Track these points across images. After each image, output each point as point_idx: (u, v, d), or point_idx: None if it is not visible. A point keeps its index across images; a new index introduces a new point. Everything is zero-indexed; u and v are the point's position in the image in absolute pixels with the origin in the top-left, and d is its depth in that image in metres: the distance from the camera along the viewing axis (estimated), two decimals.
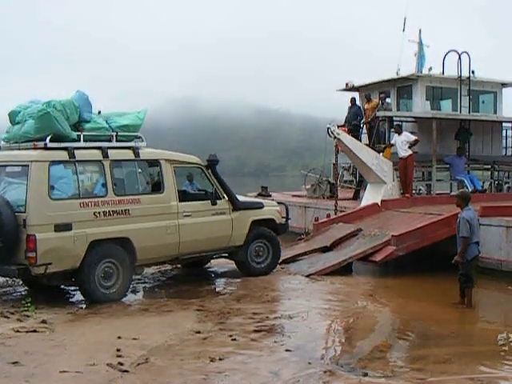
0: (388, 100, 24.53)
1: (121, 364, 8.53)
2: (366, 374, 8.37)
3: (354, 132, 23.46)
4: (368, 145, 22.11)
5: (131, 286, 13.89)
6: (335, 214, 19.99)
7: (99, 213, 12.40)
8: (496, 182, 25.37)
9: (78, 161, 12.45)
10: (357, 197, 23.05)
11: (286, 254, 17.14)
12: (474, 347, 10.18)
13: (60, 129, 12.35)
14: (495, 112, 26.05)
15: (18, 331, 10.14)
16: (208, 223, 14.24)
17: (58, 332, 10.20)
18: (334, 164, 25.09)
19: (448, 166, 23.24)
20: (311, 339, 10.04)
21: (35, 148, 12.35)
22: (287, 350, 9.39)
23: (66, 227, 11.92)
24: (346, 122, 24.25)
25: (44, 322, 10.73)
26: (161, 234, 13.32)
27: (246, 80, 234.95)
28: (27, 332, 10.11)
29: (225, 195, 14.71)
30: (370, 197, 20.48)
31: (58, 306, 12.14)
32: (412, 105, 24.76)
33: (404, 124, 22.80)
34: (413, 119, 23.86)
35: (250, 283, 14.36)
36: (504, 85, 26.33)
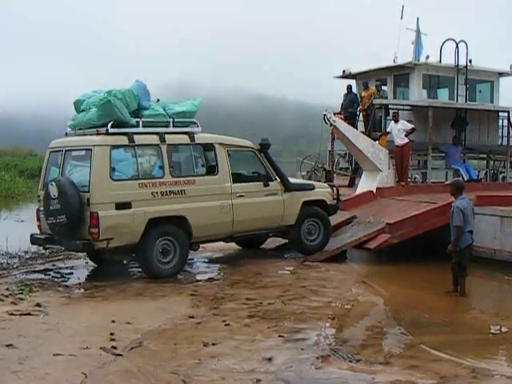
0: (384, 88, 24.47)
1: (114, 348, 8.56)
2: (358, 361, 8.41)
3: (351, 119, 23.46)
4: (364, 132, 22.09)
5: (127, 271, 13.99)
6: None
7: (157, 193, 13.30)
8: (491, 172, 25.38)
9: (137, 145, 13.37)
10: (352, 184, 23.04)
11: (280, 240, 17.20)
12: (467, 335, 10.20)
13: (120, 116, 13.23)
14: (492, 101, 25.99)
15: (12, 314, 10.16)
16: (260, 203, 15.02)
17: (52, 315, 10.22)
18: (329, 151, 25.15)
19: (444, 154, 23.29)
20: (304, 325, 10.08)
21: (98, 133, 13.26)
22: (280, 336, 9.42)
23: (126, 205, 12.86)
24: (342, 109, 24.23)
25: (38, 305, 10.76)
26: (215, 212, 14.17)
27: (241, 68, 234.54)
28: (21, 315, 10.13)
29: (277, 177, 15.40)
30: (366, 184, 20.51)
31: (52, 290, 12.19)
32: (409, 93, 24.70)
33: (400, 112, 22.81)
34: (409, 107, 23.85)
35: (244, 269, 14.39)
36: (501, 74, 26.27)
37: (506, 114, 24.64)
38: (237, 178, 14.89)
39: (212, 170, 14.51)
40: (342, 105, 24.39)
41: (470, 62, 24.56)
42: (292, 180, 16.08)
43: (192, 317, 10.37)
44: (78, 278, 13.43)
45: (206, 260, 15.78)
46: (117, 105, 13.17)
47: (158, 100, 14.68)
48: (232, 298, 11.69)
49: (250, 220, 14.80)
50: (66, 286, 12.69)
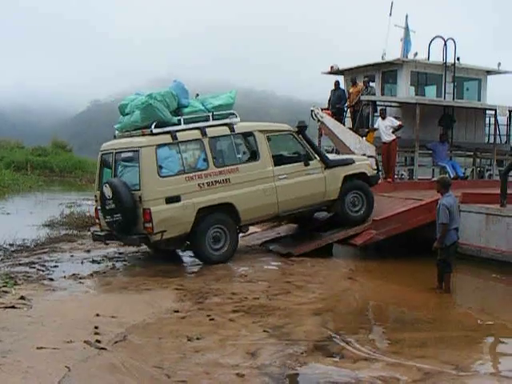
0: (372, 84, 24.49)
1: (98, 341, 8.54)
2: (342, 357, 8.43)
3: (338, 115, 23.45)
4: (351, 128, 22.13)
5: (111, 264, 13.98)
6: None
7: (203, 184, 14.26)
8: (478, 169, 25.48)
9: (180, 142, 14.29)
10: None
11: (267, 235, 17.26)
12: (450, 332, 10.22)
13: (162, 116, 14.16)
14: (479, 99, 26.07)
15: None
16: (302, 182, 15.70)
17: (36, 308, 10.18)
18: None
19: (431, 151, 23.34)
20: (289, 320, 10.07)
21: (143, 134, 14.24)
22: (265, 331, 9.43)
23: (176, 199, 13.87)
24: (329, 105, 24.23)
25: (22, 298, 10.70)
26: (260, 196, 15.02)
27: (230, 63, 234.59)
28: (5, 308, 10.08)
29: (316, 156, 16.06)
30: None
31: (37, 283, 12.15)
32: (396, 90, 24.75)
33: (388, 109, 22.84)
34: (397, 104, 23.90)
35: (230, 263, 14.40)
36: (489, 72, 26.35)
37: (492, 112, 24.71)
38: (278, 160, 15.68)
39: (253, 156, 15.50)
40: (330, 101, 24.37)
41: (458, 59, 24.60)
42: (331, 156, 16.96)
43: (177, 311, 10.38)
44: (63, 271, 13.33)
45: (192, 254, 15.75)
46: (158, 107, 14.08)
47: (198, 95, 16.06)
48: (217, 293, 11.69)
49: (293, 199, 15.56)
50: (51, 279, 12.60)
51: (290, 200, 15.51)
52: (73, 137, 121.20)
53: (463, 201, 15.86)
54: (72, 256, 15.14)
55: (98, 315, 9.82)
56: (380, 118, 21.29)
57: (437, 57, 24.76)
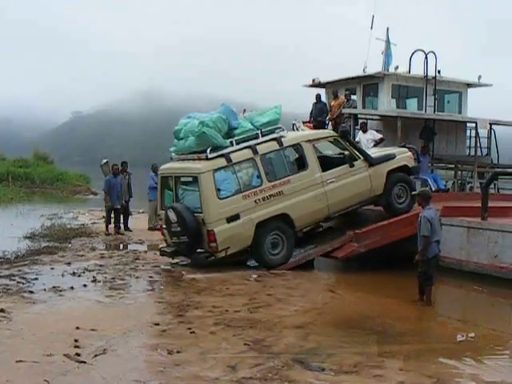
0: (354, 97, 24.56)
1: (78, 355, 8.49)
2: (323, 370, 8.41)
3: (320, 128, 23.44)
4: None
5: (92, 277, 13.92)
6: None
7: (259, 199, 15.34)
8: (459, 182, 25.57)
9: (234, 163, 15.33)
10: None
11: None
12: (432, 344, 10.25)
13: (215, 142, 15.14)
14: (460, 112, 26.17)
15: None
16: (349, 183, 16.58)
17: (16, 321, 10.14)
18: None
19: None
20: (270, 333, 10.05)
21: (199, 159, 15.29)
22: (246, 344, 9.40)
23: (236, 217, 15.04)
24: (311, 118, 24.25)
25: (2, 310, 10.65)
26: (311, 202, 15.96)
27: (211, 75, 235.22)
28: None
29: (360, 156, 16.88)
30: None
31: (17, 295, 12.08)
32: (378, 103, 24.80)
33: (369, 122, 22.90)
34: (378, 117, 23.97)
35: (211, 276, 14.38)
36: (469, 85, 26.48)
37: (473, 125, 24.82)
38: (325, 166, 16.42)
39: (302, 165, 16.36)
40: (311, 113, 24.40)
41: (439, 72, 24.69)
42: (374, 153, 17.50)
43: (157, 324, 10.33)
44: (44, 284, 13.23)
45: (174, 267, 15.73)
46: (211, 134, 15.05)
47: (245, 110, 17.40)
48: (198, 306, 11.67)
49: (342, 200, 16.48)
50: (31, 292, 12.52)
51: (339, 201, 16.42)
52: (54, 148, 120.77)
53: (444, 214, 15.94)
54: (52, 268, 15.05)
55: (78, 328, 9.77)
56: (361, 132, 21.36)
57: (418, 70, 24.88)
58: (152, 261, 16.37)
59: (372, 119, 23.65)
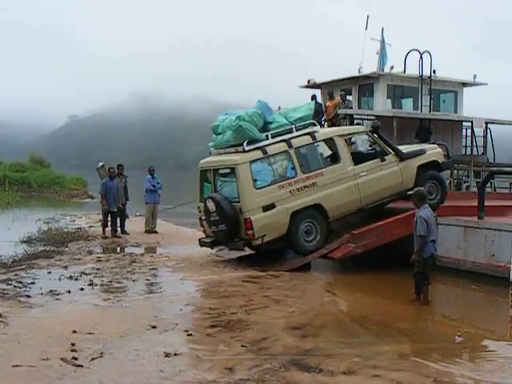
0: (349, 97, 24.57)
1: (75, 358, 8.49)
2: (320, 371, 8.40)
3: None
4: None
5: (89, 280, 13.90)
6: None
7: (293, 190, 16.03)
8: (455, 181, 25.57)
9: (270, 155, 16.06)
10: None
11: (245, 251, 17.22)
12: (429, 344, 10.24)
13: (251, 135, 15.87)
14: (455, 111, 26.25)
15: None
16: (380, 177, 17.13)
17: (13, 326, 10.12)
18: None
19: None
20: (267, 335, 10.03)
21: (237, 152, 16.04)
22: (243, 346, 9.40)
23: (271, 206, 15.73)
24: None
25: None
26: (344, 194, 16.60)
27: (204, 77, 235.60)
28: None
29: (391, 150, 17.41)
30: None
31: (13, 299, 12.05)
32: (373, 103, 24.85)
33: (365, 122, 22.91)
34: (374, 117, 23.95)
35: (207, 278, 14.39)
36: (465, 84, 26.53)
37: (469, 124, 24.87)
38: (357, 160, 17.01)
39: (335, 159, 17.06)
40: None
41: (434, 72, 24.77)
42: (404, 149, 17.87)
43: (154, 327, 10.30)
44: (41, 288, 13.20)
45: (170, 270, 15.73)
46: (247, 127, 15.77)
47: (280, 107, 18.13)
48: (195, 308, 11.67)
49: (374, 193, 17.04)
50: (28, 296, 12.50)
51: (371, 194, 16.98)
52: (51, 152, 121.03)
53: (440, 213, 15.92)
54: (49, 272, 15.03)
55: (74, 332, 9.77)
56: None
57: (413, 70, 24.92)
58: (149, 264, 16.37)
59: (368, 119, 23.63)
